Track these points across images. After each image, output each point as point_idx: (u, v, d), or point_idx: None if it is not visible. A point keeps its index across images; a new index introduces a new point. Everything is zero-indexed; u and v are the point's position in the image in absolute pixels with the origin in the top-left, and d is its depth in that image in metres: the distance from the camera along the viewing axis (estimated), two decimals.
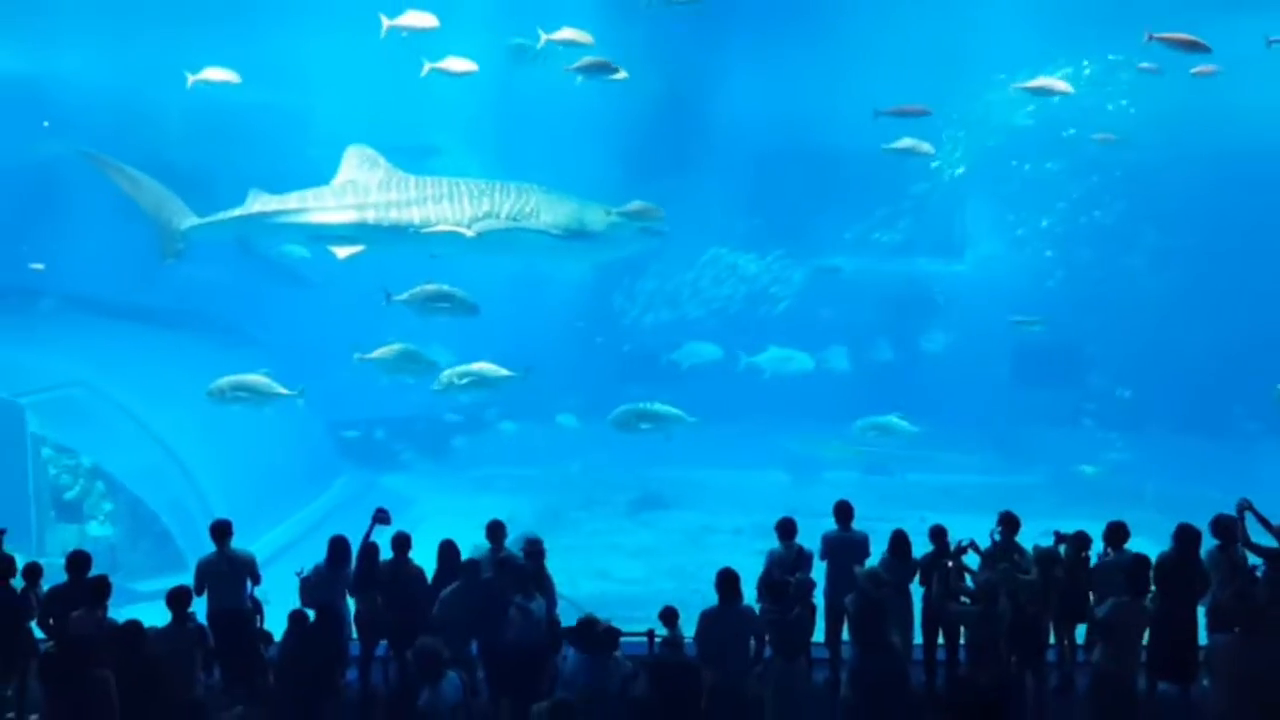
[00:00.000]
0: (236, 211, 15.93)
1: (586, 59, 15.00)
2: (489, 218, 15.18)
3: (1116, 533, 8.91)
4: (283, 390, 14.36)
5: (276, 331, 20.12)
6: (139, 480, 15.83)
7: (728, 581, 8.13)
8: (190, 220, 15.99)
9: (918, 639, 8.97)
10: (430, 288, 14.36)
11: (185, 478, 16.02)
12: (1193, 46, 14.07)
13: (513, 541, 9.37)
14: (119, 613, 8.62)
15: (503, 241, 15.37)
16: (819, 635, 9.13)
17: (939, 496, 17.47)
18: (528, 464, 20.65)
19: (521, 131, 20.02)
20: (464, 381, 14.82)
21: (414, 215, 15.28)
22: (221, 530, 9.03)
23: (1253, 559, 8.63)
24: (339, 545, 8.96)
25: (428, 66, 15.18)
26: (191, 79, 16.16)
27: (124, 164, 16.30)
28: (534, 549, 8.99)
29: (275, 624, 8.76)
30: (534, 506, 18.28)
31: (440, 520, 15.83)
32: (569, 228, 15.46)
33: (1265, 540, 8.70)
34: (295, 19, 18.29)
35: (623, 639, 8.04)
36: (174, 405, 16.03)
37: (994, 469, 18.85)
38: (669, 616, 8.18)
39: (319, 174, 17.31)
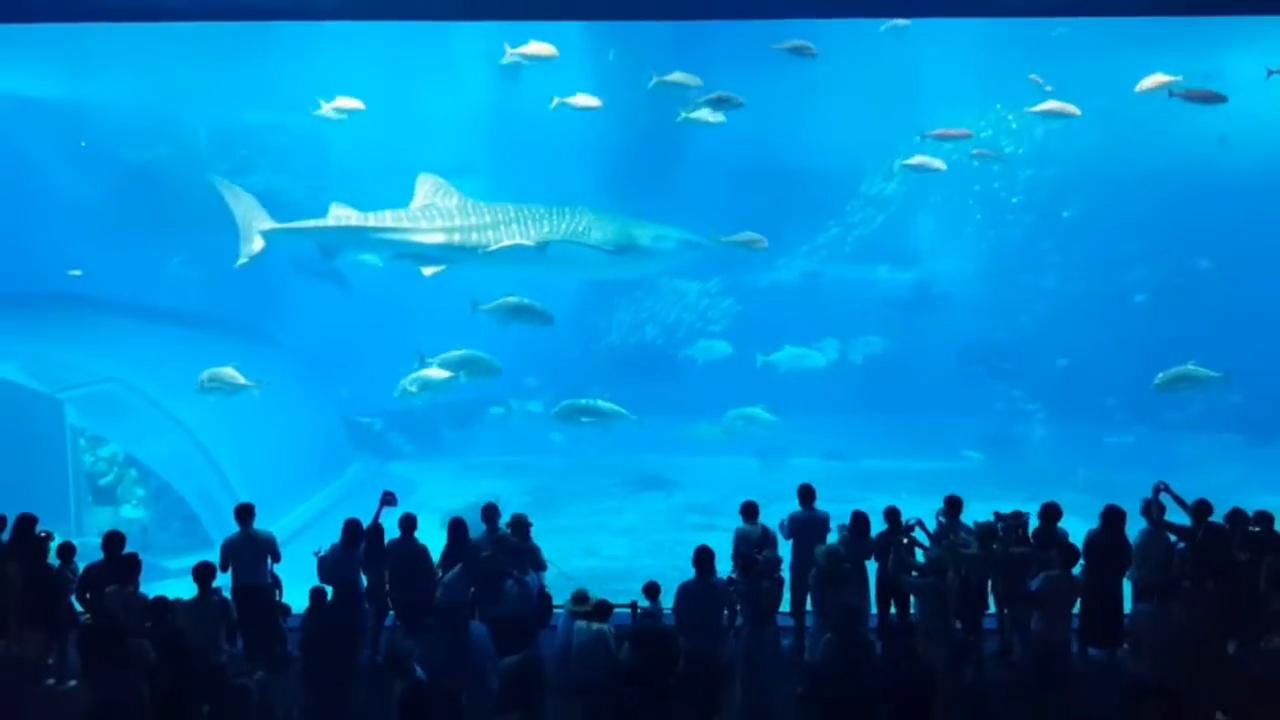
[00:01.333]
0: (318, 222, 16.20)
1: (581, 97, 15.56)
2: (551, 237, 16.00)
3: (1051, 512, 8.98)
4: (246, 382, 14.81)
5: (296, 332, 20.06)
6: (168, 467, 15.74)
7: (703, 557, 8.16)
8: (269, 224, 16.32)
9: (874, 609, 9.03)
10: (511, 300, 14.97)
11: (211, 465, 15.92)
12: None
13: (505, 521, 9.35)
14: (149, 588, 8.61)
15: (564, 257, 16.00)
16: (786, 606, 9.18)
17: (893, 480, 17.49)
18: (522, 452, 20.62)
19: (510, 153, 20.05)
20: (586, 419, 15.98)
21: (490, 237, 15.90)
22: (245, 512, 9.02)
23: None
24: (352, 527, 8.94)
25: (556, 101, 15.67)
26: (325, 107, 16.39)
27: (231, 184, 16.74)
28: (520, 523, 9.02)
29: (293, 598, 8.74)
30: (528, 490, 18.27)
31: (442, 503, 15.86)
32: (619, 243, 16.23)
33: (1181, 519, 8.79)
34: (312, 45, 18.26)
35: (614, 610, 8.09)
36: (201, 399, 15.94)
37: (940, 456, 18.90)
38: (651, 590, 8.21)
39: (339, 191, 17.36)
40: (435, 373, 15.46)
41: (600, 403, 16.28)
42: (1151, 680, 7.33)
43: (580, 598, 8.20)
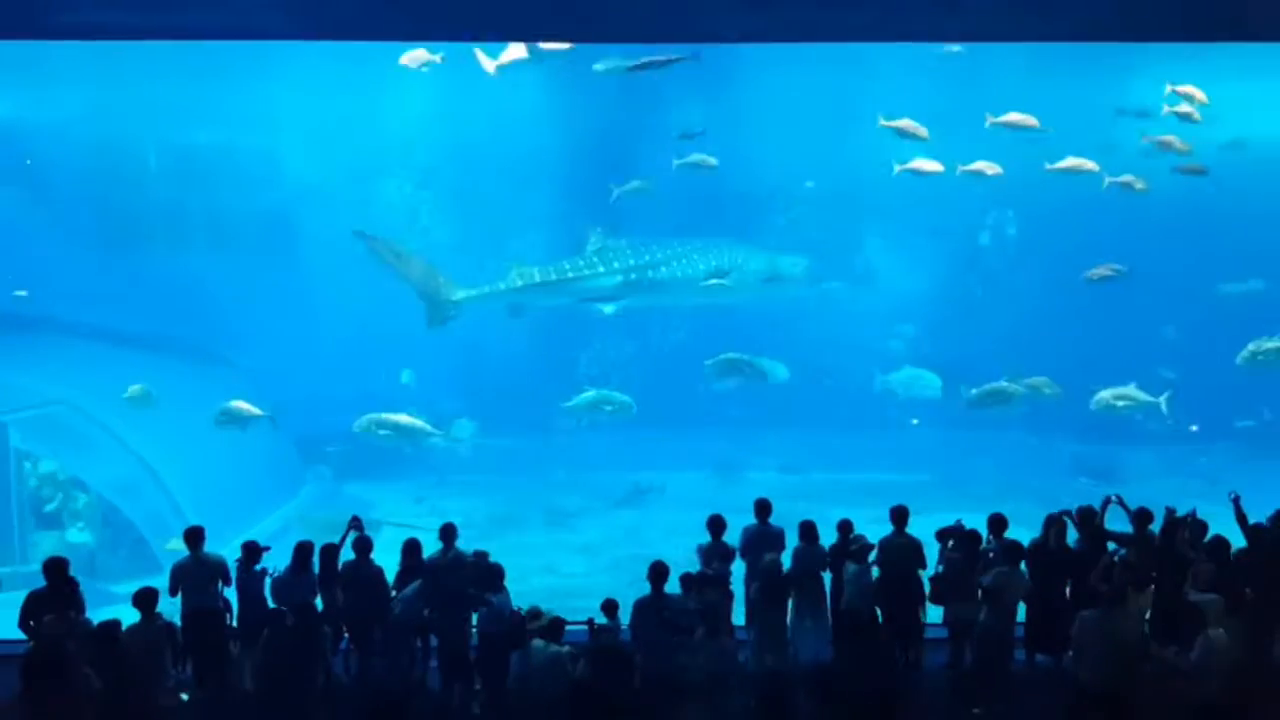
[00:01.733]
0: (508, 284, 17.51)
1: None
2: (718, 270, 17.74)
3: (998, 523, 9.18)
4: (258, 411, 15.15)
5: (248, 352, 19.81)
6: (116, 491, 15.45)
7: (658, 573, 8.21)
8: (461, 293, 17.40)
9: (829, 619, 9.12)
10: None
11: (160, 488, 15.65)
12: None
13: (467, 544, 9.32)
14: (98, 613, 8.43)
15: (724, 287, 17.85)
16: (741, 619, 9.25)
17: (846, 493, 17.67)
18: (480, 471, 20.52)
19: (471, 172, 20.10)
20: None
21: (664, 273, 17.72)
22: (194, 536, 8.89)
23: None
24: (303, 549, 8.86)
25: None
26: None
27: (393, 242, 17.32)
28: (480, 556, 9.00)
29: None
30: (488, 509, 18.18)
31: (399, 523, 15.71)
32: (769, 273, 18.20)
33: (1124, 528, 9.04)
34: (264, 67, 18.18)
35: (566, 626, 8.09)
36: (150, 421, 15.68)
37: (891, 468, 19.15)
38: (609, 607, 8.26)
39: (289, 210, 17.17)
40: (405, 419, 16.14)
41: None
42: (1094, 686, 7.52)
43: (533, 614, 8.22)
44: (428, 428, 16.28)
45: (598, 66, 16.08)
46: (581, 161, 19.79)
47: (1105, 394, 15.96)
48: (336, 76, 18.89)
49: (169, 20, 9.89)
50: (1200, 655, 7.44)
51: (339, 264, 20.03)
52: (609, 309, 17.48)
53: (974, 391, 16.29)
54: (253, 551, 8.83)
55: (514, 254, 18.41)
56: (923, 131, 16.51)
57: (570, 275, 17.58)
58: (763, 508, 9.50)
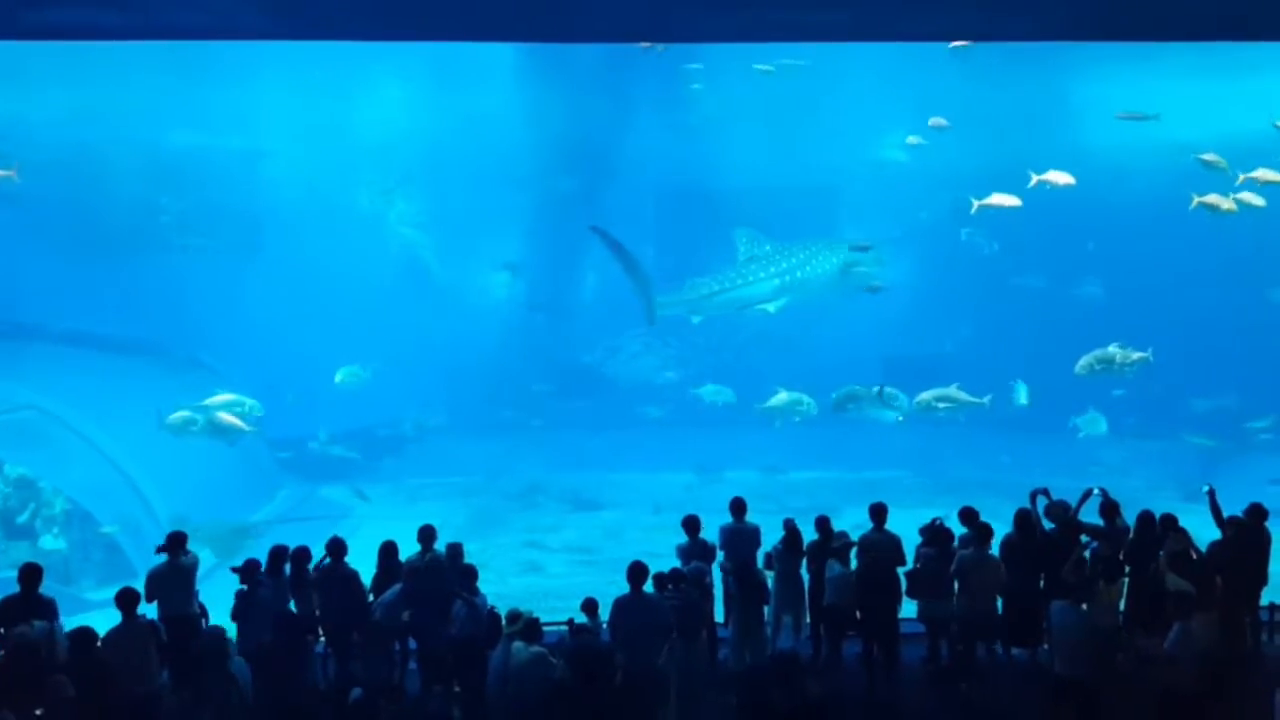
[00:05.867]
0: (691, 292, 19.05)
1: None
2: (843, 265, 19.18)
3: (969, 516, 9.24)
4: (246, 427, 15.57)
5: (224, 356, 19.66)
6: (89, 496, 15.27)
7: (637, 572, 8.23)
8: (662, 298, 18.89)
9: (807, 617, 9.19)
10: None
11: (134, 493, 15.49)
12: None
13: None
14: (71, 620, 8.32)
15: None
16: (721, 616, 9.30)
17: (826, 491, 17.78)
18: (460, 473, 20.48)
19: (446, 172, 20.10)
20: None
21: (806, 273, 19.17)
22: (172, 541, 8.78)
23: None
24: (277, 554, 8.80)
25: (1035, 179, 16.44)
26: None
27: (624, 245, 18.25)
28: (454, 552, 9.02)
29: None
30: (467, 511, 18.13)
31: (376, 525, 15.64)
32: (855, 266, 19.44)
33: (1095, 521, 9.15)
34: (241, 70, 18.07)
35: (545, 627, 8.09)
36: (124, 426, 15.52)
37: (865, 465, 19.35)
38: (589, 606, 8.26)
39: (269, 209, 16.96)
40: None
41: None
42: (1068, 676, 7.62)
43: (512, 616, 8.21)
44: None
45: None
46: (554, 166, 19.95)
47: (926, 395, 16.41)
48: (315, 79, 18.83)
49: (145, 20, 9.78)
50: (1175, 644, 7.55)
51: (319, 267, 19.99)
52: (771, 308, 18.77)
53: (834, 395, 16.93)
54: (252, 570, 8.69)
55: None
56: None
57: (739, 285, 19.11)
58: (738, 506, 9.55)
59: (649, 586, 8.37)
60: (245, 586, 8.51)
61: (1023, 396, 18.53)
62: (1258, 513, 8.95)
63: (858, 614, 8.94)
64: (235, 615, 8.47)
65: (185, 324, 19.29)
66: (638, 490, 19.27)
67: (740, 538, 9.37)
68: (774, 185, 21.49)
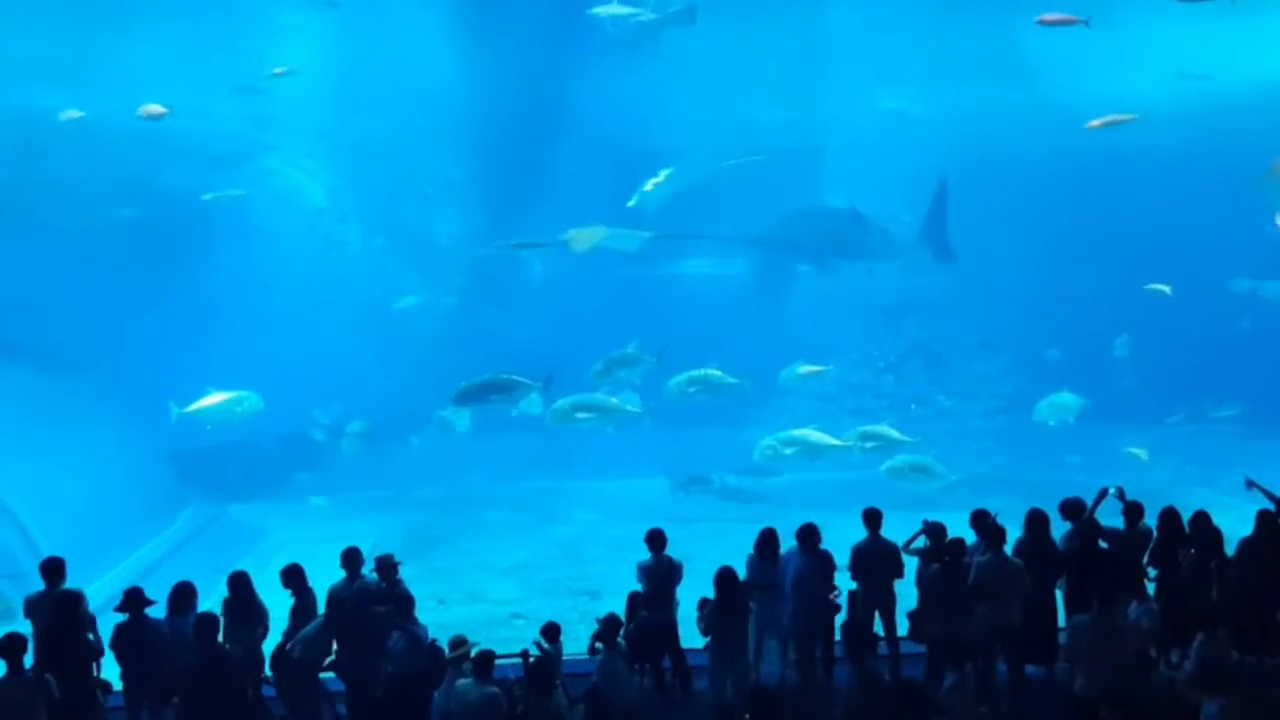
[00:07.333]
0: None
1: None
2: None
3: (980, 519, 9.20)
4: None
5: (114, 356, 19.14)
6: None
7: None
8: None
9: None
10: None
11: (10, 519, 14.98)
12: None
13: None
14: None
15: None
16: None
17: (820, 493, 17.79)
18: (391, 485, 20.21)
19: (374, 129, 19.83)
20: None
21: None
22: (51, 569, 8.49)
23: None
24: (184, 591, 8.53)
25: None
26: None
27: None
28: (387, 564, 8.81)
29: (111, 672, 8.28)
30: (401, 529, 17.88)
31: (296, 549, 15.31)
32: None
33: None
34: (127, 23, 17.60)
35: (497, 660, 7.92)
36: None
37: (862, 465, 19.40)
38: (551, 631, 8.14)
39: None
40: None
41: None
42: (1091, 695, 7.62)
43: (455, 643, 8.04)
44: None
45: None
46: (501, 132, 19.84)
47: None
48: (210, 32, 18.38)
49: None
50: (1199, 662, 7.55)
51: (222, 253, 19.56)
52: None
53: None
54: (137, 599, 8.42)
55: None
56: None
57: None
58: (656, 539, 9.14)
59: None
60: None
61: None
62: None
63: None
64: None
65: (68, 322, 18.67)
66: (599, 500, 19.16)
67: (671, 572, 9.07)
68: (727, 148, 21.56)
